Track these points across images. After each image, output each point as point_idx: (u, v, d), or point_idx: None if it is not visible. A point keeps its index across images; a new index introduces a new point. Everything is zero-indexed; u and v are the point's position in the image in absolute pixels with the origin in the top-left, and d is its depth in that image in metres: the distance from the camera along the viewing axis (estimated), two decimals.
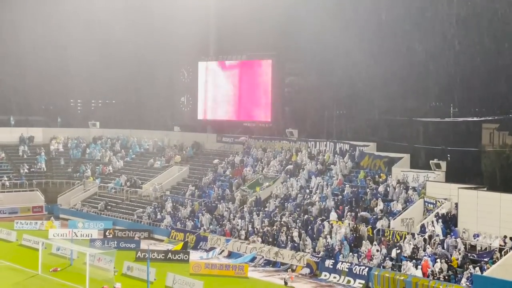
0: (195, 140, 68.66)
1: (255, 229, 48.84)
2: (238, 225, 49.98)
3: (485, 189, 42.72)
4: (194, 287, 37.78)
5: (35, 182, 67.28)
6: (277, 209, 50.63)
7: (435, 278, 37.29)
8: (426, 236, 40.90)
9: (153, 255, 44.67)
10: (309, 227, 46.51)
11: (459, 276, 37.02)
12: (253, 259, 45.63)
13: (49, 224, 56.86)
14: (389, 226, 43.43)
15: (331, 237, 44.22)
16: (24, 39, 74.48)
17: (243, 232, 48.80)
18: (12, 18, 74.67)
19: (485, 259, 37.55)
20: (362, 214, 45.86)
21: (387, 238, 42.42)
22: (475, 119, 52.76)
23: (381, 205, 45.95)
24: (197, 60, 70.23)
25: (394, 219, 43.81)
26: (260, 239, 47.24)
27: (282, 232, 46.49)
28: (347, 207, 47.04)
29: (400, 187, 46.95)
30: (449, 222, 41.91)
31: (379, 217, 44.55)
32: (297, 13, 61.51)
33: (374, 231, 43.50)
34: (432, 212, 43.20)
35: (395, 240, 41.88)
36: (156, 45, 72.85)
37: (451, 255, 38.68)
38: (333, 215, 46.74)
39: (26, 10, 73.93)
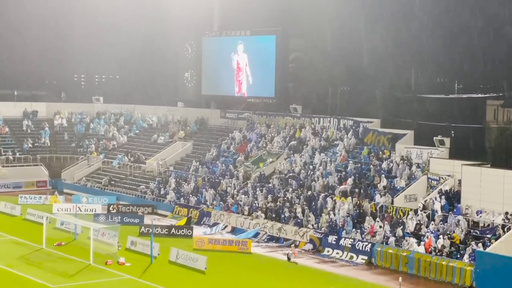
0: (198, 115, 68.62)
1: (258, 204, 48.93)
2: (241, 201, 50.07)
3: (489, 165, 42.69)
4: (197, 262, 37.95)
5: (39, 156, 67.42)
6: (280, 184, 50.70)
7: (438, 254, 37.40)
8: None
9: (157, 230, 44.88)
10: (313, 203, 46.60)
11: (461, 252, 37.13)
12: (256, 235, 45.76)
13: (53, 198, 57.04)
14: (392, 203, 43.50)
15: (334, 213, 44.31)
16: (28, 14, 74.19)
17: (246, 208, 48.91)
18: None
19: (488, 236, 37.63)
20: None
21: (390, 214, 42.50)
22: (479, 95, 52.55)
23: (384, 182, 45.97)
24: (201, 36, 70.02)
25: (397, 196, 43.86)
26: (263, 215, 47.37)
27: (285, 208, 46.59)
28: (350, 184, 47.08)
29: (404, 164, 46.95)
30: (452, 198, 41.95)
31: (382, 193, 44.57)
32: None
33: (377, 207, 43.57)
34: (436, 189, 43.23)
35: (398, 217, 41.96)
36: (160, 20, 72.48)
37: (453, 232, 38.78)
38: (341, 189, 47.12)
39: None
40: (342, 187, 46.91)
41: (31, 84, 77.88)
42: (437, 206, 41.38)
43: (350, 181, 47.24)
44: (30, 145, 68.60)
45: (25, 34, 75.36)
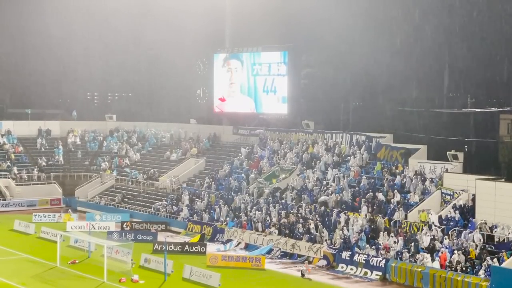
0: (211, 132, 68.74)
1: (271, 220, 48.81)
2: (254, 217, 50.00)
3: (503, 180, 42.48)
4: (211, 279, 37.88)
5: (53, 175, 67.72)
6: (294, 201, 50.62)
7: (453, 269, 37.16)
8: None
9: (170, 247, 44.86)
10: (326, 219, 46.47)
11: (477, 267, 36.87)
12: (270, 251, 45.67)
13: (67, 216, 57.20)
14: (406, 218, 43.32)
15: (347, 229, 44.16)
16: (41, 34, 74.82)
17: (259, 224, 48.82)
18: (29, 11, 75.05)
19: (503, 251, 37.34)
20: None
21: (404, 230, 42.30)
22: (492, 109, 52.36)
23: (398, 197, 45.81)
24: (213, 52, 70.18)
25: (411, 211, 43.68)
26: (276, 231, 47.27)
27: (299, 224, 46.48)
28: (363, 199, 46.95)
29: (417, 179, 46.79)
30: (467, 213, 41.72)
31: (396, 209, 44.39)
32: (313, 4, 61.29)
33: (391, 222, 43.39)
34: (450, 204, 43.02)
35: (412, 232, 41.75)
36: (172, 38, 72.85)
37: (469, 247, 38.50)
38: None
39: (43, 4, 74.20)
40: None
41: (44, 103, 78.38)
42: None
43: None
44: (44, 163, 68.92)
45: (39, 54, 75.98)
